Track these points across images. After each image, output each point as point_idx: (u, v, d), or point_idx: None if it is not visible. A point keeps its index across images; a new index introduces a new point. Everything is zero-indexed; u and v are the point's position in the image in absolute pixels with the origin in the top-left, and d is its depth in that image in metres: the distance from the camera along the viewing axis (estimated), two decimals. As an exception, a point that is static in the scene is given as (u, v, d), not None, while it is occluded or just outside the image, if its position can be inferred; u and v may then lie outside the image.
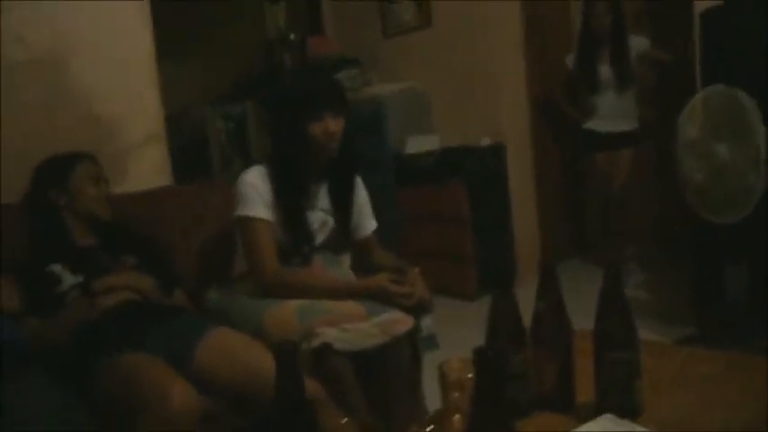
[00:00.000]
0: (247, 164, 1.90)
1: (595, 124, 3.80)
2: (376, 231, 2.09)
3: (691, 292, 3.09)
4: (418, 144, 4.03)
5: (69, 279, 1.74)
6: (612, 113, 3.74)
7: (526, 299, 1.21)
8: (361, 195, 2.05)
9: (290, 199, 1.85)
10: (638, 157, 3.84)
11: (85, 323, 1.61)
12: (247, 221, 1.82)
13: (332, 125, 1.79)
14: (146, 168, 2.41)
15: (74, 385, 1.50)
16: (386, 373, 1.73)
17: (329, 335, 1.60)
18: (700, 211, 2.51)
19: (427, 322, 1.88)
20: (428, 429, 1.00)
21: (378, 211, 2.11)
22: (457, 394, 1.12)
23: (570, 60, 3.86)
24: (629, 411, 1.11)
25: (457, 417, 1.07)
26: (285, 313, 1.67)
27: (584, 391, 1.18)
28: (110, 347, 1.54)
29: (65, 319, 1.62)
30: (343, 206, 1.96)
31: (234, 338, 1.64)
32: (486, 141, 3.94)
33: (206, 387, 1.48)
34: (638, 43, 3.71)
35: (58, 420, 1.35)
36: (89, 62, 2.25)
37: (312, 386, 1.50)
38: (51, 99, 2.17)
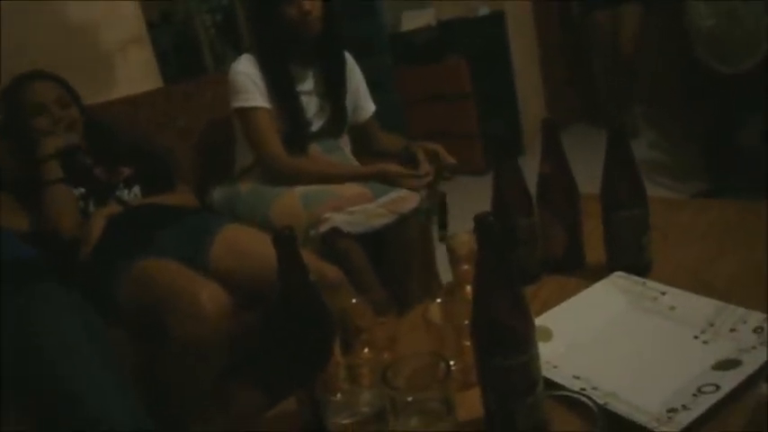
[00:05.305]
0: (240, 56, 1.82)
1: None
2: (376, 115, 2.04)
3: (703, 147, 3.04)
4: (414, 20, 3.88)
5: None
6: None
7: (534, 168, 1.17)
8: (356, 76, 1.98)
9: (281, 84, 1.78)
10: (644, 11, 3.67)
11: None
12: (247, 112, 1.77)
13: (306, 4, 1.71)
14: (133, 73, 2.34)
15: (92, 297, 1.49)
16: (397, 251, 1.74)
17: (336, 219, 1.59)
18: (710, 61, 2.41)
19: None
20: (437, 301, 1.00)
21: (376, 95, 2.04)
22: (466, 267, 1.11)
23: None
24: (639, 268, 1.10)
25: (468, 288, 1.06)
26: (290, 202, 1.66)
27: (594, 252, 1.17)
28: (121, 253, 1.54)
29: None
30: (335, 86, 1.89)
31: (243, 233, 1.64)
32: (484, 10, 3.78)
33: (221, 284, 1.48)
34: None
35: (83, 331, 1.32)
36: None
37: (329, 270, 1.51)
38: (24, 10, 2.07)
